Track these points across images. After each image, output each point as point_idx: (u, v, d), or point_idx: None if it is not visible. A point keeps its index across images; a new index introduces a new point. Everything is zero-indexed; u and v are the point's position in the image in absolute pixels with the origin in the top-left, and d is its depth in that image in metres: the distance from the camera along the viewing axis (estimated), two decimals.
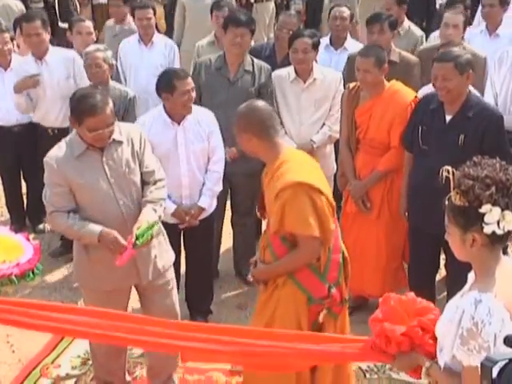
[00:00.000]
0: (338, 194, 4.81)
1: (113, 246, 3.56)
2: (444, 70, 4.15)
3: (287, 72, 5.27)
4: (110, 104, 3.59)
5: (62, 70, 5.78)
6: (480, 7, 6.53)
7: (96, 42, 6.38)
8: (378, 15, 5.71)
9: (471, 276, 2.41)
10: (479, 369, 1.98)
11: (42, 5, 9.28)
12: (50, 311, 2.84)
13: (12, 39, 6.13)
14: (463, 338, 2.19)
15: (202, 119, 4.64)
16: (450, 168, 2.27)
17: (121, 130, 3.75)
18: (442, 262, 4.90)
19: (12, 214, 6.49)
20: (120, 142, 3.71)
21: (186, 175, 4.59)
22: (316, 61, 5.38)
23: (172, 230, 4.36)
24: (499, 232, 2.22)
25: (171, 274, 4.02)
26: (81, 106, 3.57)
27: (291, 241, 3.47)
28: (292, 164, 3.47)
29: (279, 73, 5.32)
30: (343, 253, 3.63)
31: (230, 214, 5.55)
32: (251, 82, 5.22)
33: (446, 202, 2.31)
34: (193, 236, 4.79)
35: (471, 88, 4.36)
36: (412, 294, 2.65)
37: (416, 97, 4.64)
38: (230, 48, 5.17)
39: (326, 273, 3.51)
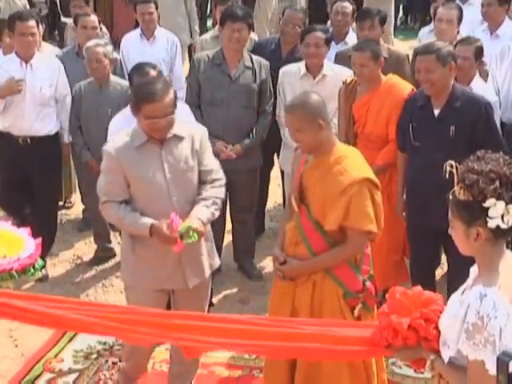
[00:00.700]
0: None
1: (164, 239, 3.50)
2: (426, 62, 4.20)
3: (297, 67, 5.25)
4: (171, 94, 3.53)
5: (46, 76, 5.47)
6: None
7: None
8: (369, 11, 5.72)
9: (474, 270, 2.41)
10: (496, 363, 1.99)
11: None
12: (52, 303, 2.84)
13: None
14: (469, 332, 2.19)
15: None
16: (453, 163, 2.27)
17: (182, 126, 3.68)
18: (445, 258, 4.90)
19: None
20: (181, 138, 3.64)
21: None
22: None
23: None
24: (503, 226, 2.22)
25: (210, 278, 3.95)
26: (139, 92, 3.55)
27: (333, 236, 3.47)
28: (354, 160, 3.50)
29: (289, 68, 5.30)
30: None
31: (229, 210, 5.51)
32: (252, 78, 5.21)
33: (450, 197, 2.31)
34: None
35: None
36: (418, 288, 2.65)
37: (413, 90, 4.66)
38: (228, 43, 5.15)
39: (360, 266, 3.56)
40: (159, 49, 6.47)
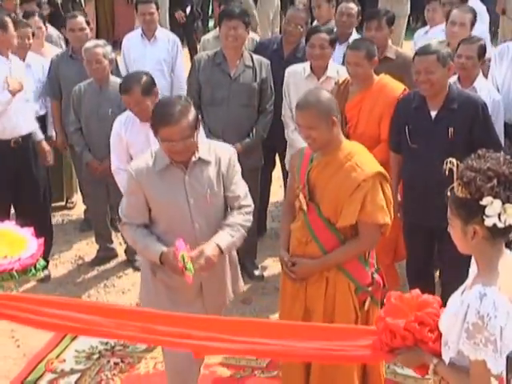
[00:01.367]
0: None
1: (171, 268, 3.35)
2: (427, 62, 4.18)
3: (303, 68, 5.23)
4: (190, 117, 3.33)
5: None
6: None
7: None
8: (376, 12, 5.70)
9: (473, 270, 2.41)
10: (506, 362, 1.99)
11: None
12: (53, 307, 2.84)
13: (33, 34, 6.08)
14: (469, 332, 2.19)
15: None
16: (454, 160, 2.27)
17: (210, 149, 3.51)
18: None
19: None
20: (207, 162, 3.47)
21: None
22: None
23: None
24: (500, 225, 2.22)
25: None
26: (156, 114, 3.39)
27: (344, 233, 3.49)
28: (363, 155, 3.53)
29: (295, 68, 5.28)
30: None
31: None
32: (253, 77, 5.21)
33: (449, 194, 2.31)
34: None
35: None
36: (417, 291, 2.65)
37: (405, 89, 4.65)
38: (226, 42, 5.15)
39: (369, 260, 3.59)
40: (160, 49, 6.46)
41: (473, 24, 5.61)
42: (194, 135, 3.36)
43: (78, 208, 6.69)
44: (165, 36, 6.62)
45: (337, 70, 5.19)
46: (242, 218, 3.55)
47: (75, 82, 5.54)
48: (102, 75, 5.34)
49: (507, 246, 2.34)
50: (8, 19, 5.27)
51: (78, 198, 6.75)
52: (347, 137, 4.73)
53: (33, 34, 5.98)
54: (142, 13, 6.49)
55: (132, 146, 4.58)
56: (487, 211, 2.21)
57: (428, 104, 4.29)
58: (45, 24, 6.51)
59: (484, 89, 4.77)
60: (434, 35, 6.27)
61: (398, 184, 4.57)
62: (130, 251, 5.59)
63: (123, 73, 6.23)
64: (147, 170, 3.44)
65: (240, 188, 3.59)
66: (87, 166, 5.53)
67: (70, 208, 6.79)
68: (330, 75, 5.15)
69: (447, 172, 2.26)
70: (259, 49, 5.79)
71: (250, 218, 3.61)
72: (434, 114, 4.28)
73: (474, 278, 2.35)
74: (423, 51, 4.29)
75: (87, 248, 6.07)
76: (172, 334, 2.78)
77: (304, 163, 3.60)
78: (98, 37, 8.90)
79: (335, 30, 5.72)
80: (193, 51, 10.37)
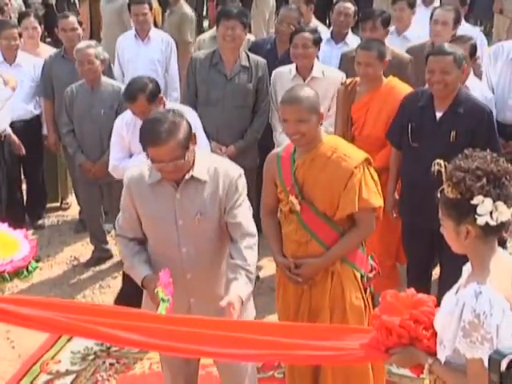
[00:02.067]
0: None
1: (151, 297, 3.06)
2: (443, 63, 4.12)
3: (289, 69, 5.22)
4: (181, 135, 3.00)
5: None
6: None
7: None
8: (371, 12, 5.68)
9: (467, 268, 2.41)
10: (487, 362, 1.99)
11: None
12: (47, 309, 2.83)
13: (20, 35, 6.10)
14: (465, 330, 2.19)
15: None
16: (441, 161, 2.28)
17: (210, 167, 3.17)
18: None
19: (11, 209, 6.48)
20: (202, 182, 3.15)
21: None
22: (318, 57, 5.34)
23: None
24: (492, 223, 2.23)
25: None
26: (144, 132, 3.08)
27: (342, 224, 3.51)
28: (345, 145, 3.59)
29: (281, 69, 5.27)
30: None
31: None
32: (248, 77, 5.20)
33: (439, 195, 2.31)
34: None
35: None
36: (412, 290, 2.66)
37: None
38: (223, 42, 5.14)
39: (364, 246, 3.63)
40: (154, 49, 6.47)
41: (456, 23, 5.58)
42: (185, 155, 3.04)
43: (73, 209, 6.67)
44: (158, 36, 6.62)
45: (322, 71, 5.17)
46: (253, 256, 3.15)
47: (67, 83, 5.54)
48: (93, 76, 5.33)
49: (503, 246, 2.35)
50: None
51: (72, 198, 6.73)
52: (352, 138, 4.73)
53: (20, 35, 6.00)
54: (135, 13, 6.50)
55: (134, 146, 4.50)
56: (479, 210, 2.22)
57: (435, 104, 4.25)
58: (40, 24, 6.51)
59: (476, 88, 4.77)
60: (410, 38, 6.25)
61: (397, 181, 4.56)
62: None
63: (117, 73, 6.24)
64: (140, 181, 3.20)
65: (242, 214, 3.19)
66: (80, 168, 5.52)
67: (65, 209, 6.78)
68: (316, 75, 5.13)
69: (435, 173, 2.27)
70: (254, 49, 5.79)
71: (255, 252, 3.20)
72: (439, 114, 4.24)
73: (469, 277, 2.35)
74: (439, 51, 4.22)
75: (82, 249, 6.06)
76: (170, 335, 2.75)
77: (285, 165, 3.57)
78: (92, 37, 8.90)
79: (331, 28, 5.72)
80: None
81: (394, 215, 4.59)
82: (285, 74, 5.21)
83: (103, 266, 5.79)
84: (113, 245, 5.86)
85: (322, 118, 3.47)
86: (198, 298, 3.05)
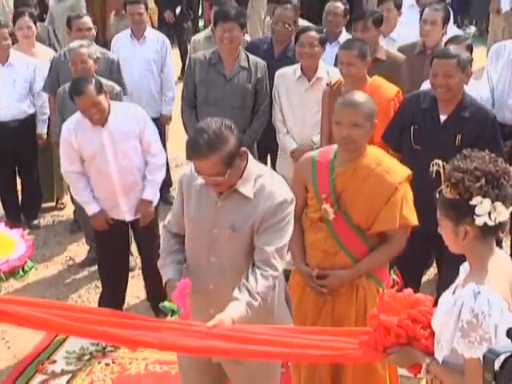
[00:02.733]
0: None
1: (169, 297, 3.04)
2: (447, 66, 4.06)
3: (293, 69, 5.17)
4: (225, 150, 2.85)
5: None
6: None
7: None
8: (362, 13, 5.65)
9: (464, 268, 2.42)
10: (482, 361, 1.99)
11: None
12: (43, 308, 2.82)
13: (11, 34, 6.08)
14: (464, 330, 2.19)
15: (130, 116, 4.59)
16: (440, 162, 2.28)
17: (256, 184, 3.02)
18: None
19: (6, 209, 6.48)
20: (245, 197, 3.00)
21: (117, 174, 4.57)
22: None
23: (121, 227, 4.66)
24: (491, 223, 2.24)
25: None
26: (188, 143, 2.95)
27: (372, 238, 3.43)
28: (390, 158, 3.53)
29: (284, 71, 5.22)
30: None
31: None
32: (248, 78, 5.19)
33: (437, 196, 2.32)
34: (139, 234, 4.93)
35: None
36: (409, 290, 2.66)
37: (399, 92, 4.57)
38: (221, 44, 5.13)
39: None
40: (149, 49, 6.45)
41: (445, 22, 5.57)
42: (227, 172, 2.89)
43: (69, 209, 6.66)
44: (154, 36, 6.61)
45: (327, 71, 5.15)
46: (264, 285, 2.96)
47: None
48: (86, 75, 5.31)
49: (499, 245, 2.36)
50: None
51: (68, 198, 6.71)
52: None
53: (10, 35, 6.00)
54: (130, 13, 6.48)
55: (85, 150, 4.54)
56: (477, 211, 2.23)
57: (439, 107, 4.19)
58: (35, 24, 6.50)
59: (472, 88, 4.78)
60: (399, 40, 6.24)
61: None
62: None
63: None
64: (191, 180, 3.12)
65: (270, 243, 2.98)
66: None
67: (61, 209, 6.76)
68: (321, 76, 5.11)
69: (434, 174, 2.27)
70: (250, 49, 5.77)
71: (272, 284, 3.03)
72: (443, 118, 4.17)
73: (467, 277, 2.36)
74: (443, 54, 4.17)
75: (78, 249, 6.05)
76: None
77: (321, 172, 3.46)
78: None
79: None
80: (183, 51, 10.36)
81: None
82: (289, 75, 5.17)
83: None
84: None
85: (374, 128, 3.39)
86: (217, 310, 2.94)
